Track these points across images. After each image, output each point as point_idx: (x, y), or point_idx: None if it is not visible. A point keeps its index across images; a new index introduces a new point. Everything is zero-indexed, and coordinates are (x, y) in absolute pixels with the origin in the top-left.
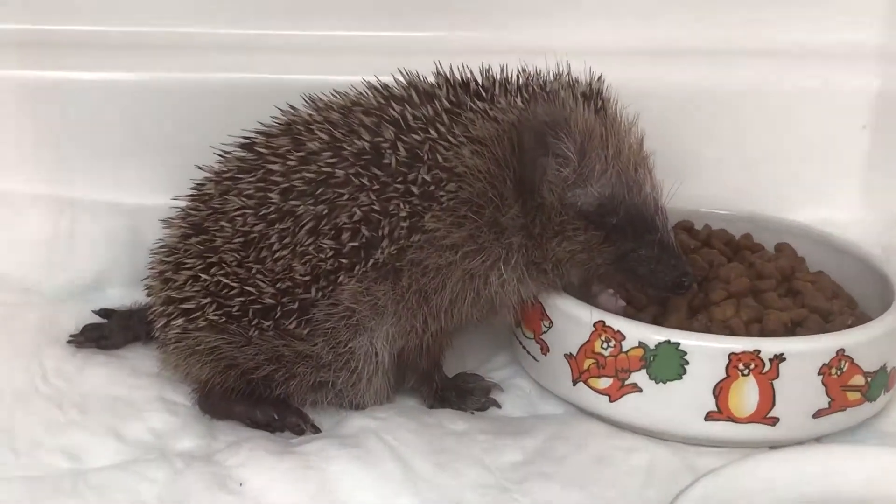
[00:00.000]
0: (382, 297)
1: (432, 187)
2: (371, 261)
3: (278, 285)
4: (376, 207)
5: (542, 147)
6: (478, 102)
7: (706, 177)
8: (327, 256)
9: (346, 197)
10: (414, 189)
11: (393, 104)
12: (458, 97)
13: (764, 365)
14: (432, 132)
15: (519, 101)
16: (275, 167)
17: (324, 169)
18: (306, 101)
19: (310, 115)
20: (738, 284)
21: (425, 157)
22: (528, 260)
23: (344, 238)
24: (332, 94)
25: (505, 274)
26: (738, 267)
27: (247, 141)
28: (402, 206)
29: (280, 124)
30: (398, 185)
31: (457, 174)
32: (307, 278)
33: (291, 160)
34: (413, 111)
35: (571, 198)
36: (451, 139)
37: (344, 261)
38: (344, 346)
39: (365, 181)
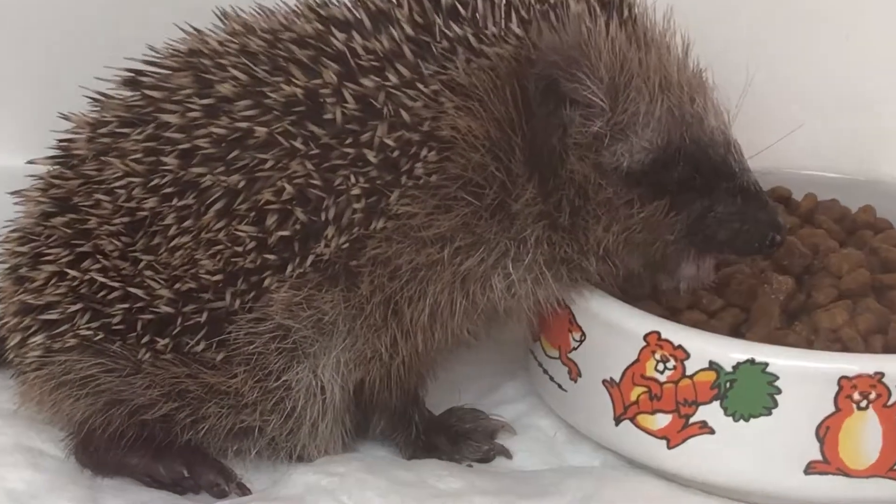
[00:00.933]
0: (330, 309)
1: (397, 154)
2: (311, 258)
3: (178, 287)
4: (315, 180)
5: (556, 96)
6: (455, 27)
7: (808, 125)
8: (246, 249)
9: (270, 164)
10: (370, 156)
11: (335, 30)
12: (425, 16)
13: (890, 395)
14: (391, 74)
15: (514, 23)
16: (171, 118)
17: (239, 124)
18: (218, 18)
19: (220, 41)
20: (854, 279)
21: (384, 111)
22: (553, 256)
23: (269, 224)
24: (254, 12)
25: (514, 274)
26: (853, 255)
27: (131, 76)
28: (352, 178)
29: (178, 53)
30: (346, 150)
31: (438, 138)
32: (218, 278)
33: (194, 109)
34: (364, 41)
35: (611, 160)
36: (421, 85)
37: (271, 257)
38: (275, 380)
39: (298, 143)
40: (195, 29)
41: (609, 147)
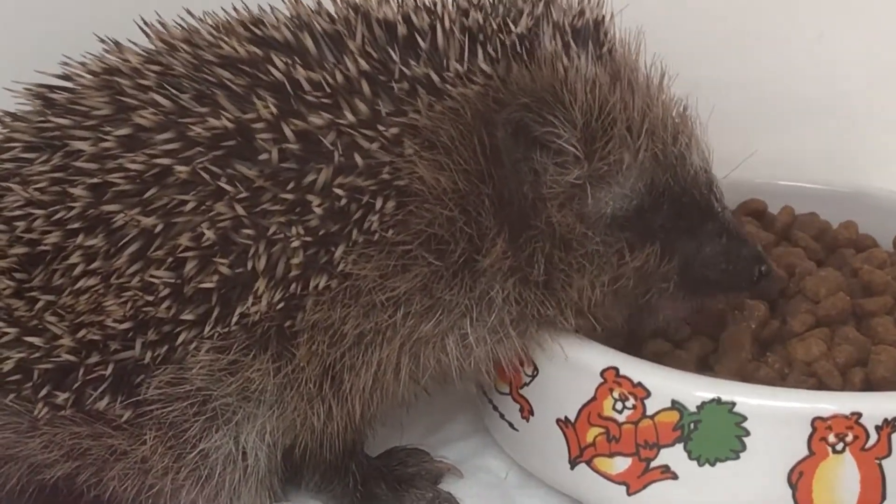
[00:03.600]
0: (259, 378)
1: (345, 202)
2: (235, 315)
3: (81, 334)
4: (243, 226)
5: (527, 141)
6: (413, 64)
7: (785, 132)
8: (159, 297)
9: (191, 206)
10: (313, 203)
11: (275, 56)
12: (378, 48)
13: (868, 437)
14: (345, 112)
15: (481, 59)
16: (82, 146)
17: (158, 160)
18: (141, 29)
19: (143, 56)
20: (833, 305)
21: (333, 153)
22: (522, 314)
23: (188, 271)
24: (177, 24)
25: (472, 336)
26: (832, 277)
27: (41, 91)
28: (291, 229)
29: (96, 71)
30: (283, 195)
31: (398, 188)
32: (127, 326)
33: (108, 140)
34: (308, 71)
35: (595, 208)
36: (380, 126)
37: (187, 316)
38: (190, 448)
39: (224, 183)
40: (114, 42)
41: (592, 195)
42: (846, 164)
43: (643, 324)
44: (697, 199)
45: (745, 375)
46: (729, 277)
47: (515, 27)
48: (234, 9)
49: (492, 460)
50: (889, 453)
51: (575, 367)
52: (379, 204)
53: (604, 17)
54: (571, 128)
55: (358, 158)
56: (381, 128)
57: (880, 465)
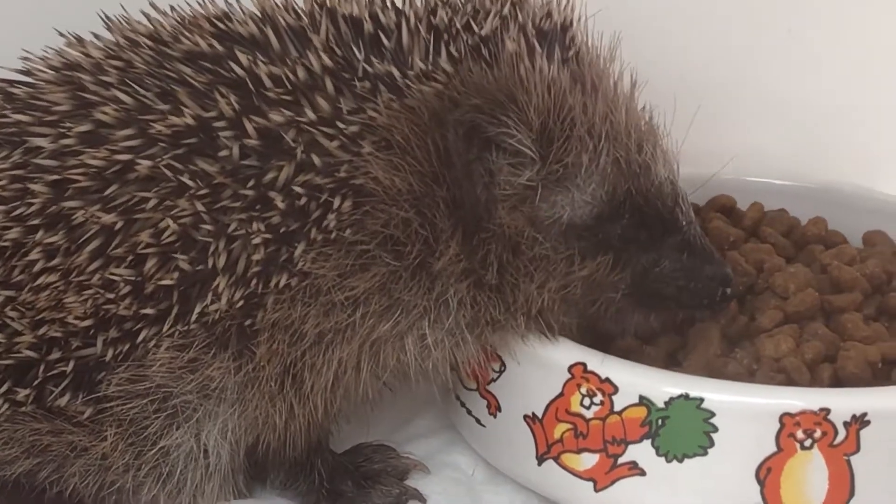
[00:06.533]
0: (219, 375)
1: (305, 200)
2: (195, 313)
3: (42, 331)
4: (204, 223)
5: (480, 142)
6: (376, 61)
7: (755, 130)
8: (120, 295)
9: (153, 203)
10: (276, 200)
11: (238, 50)
12: (343, 44)
13: (836, 433)
14: (306, 109)
15: (443, 59)
16: (42, 143)
17: (119, 156)
18: (104, 24)
19: (104, 51)
20: (802, 301)
21: (296, 150)
22: (476, 318)
23: (148, 269)
24: (144, 16)
25: (430, 336)
26: (801, 273)
27: (0, 86)
28: (252, 226)
29: (56, 66)
30: (244, 191)
31: (354, 187)
32: (88, 323)
33: (69, 136)
34: (271, 67)
35: (549, 212)
36: (340, 123)
37: (148, 310)
38: (151, 445)
39: (186, 179)
40: (76, 37)
41: (546, 199)
42: (815, 160)
43: (603, 328)
44: (661, 210)
45: (714, 371)
46: (688, 295)
47: (481, 27)
48: (201, 3)
49: (459, 456)
50: (857, 450)
51: (542, 363)
52: (337, 203)
53: (572, 20)
54: (526, 129)
55: (316, 157)
56: (341, 125)
57: (849, 462)
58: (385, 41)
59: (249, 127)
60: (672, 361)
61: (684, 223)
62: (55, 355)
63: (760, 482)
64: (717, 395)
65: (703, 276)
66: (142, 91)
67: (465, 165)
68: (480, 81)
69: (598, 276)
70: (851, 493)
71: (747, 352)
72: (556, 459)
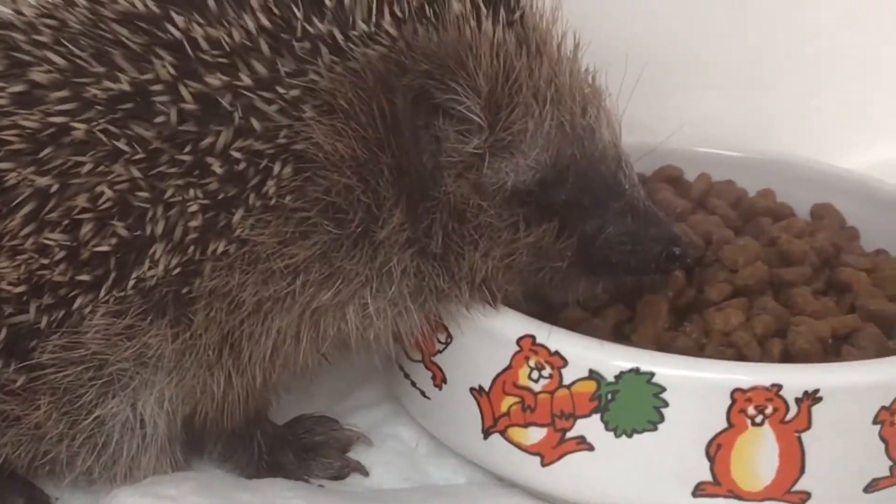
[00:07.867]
0: (156, 343)
1: (243, 165)
2: (132, 281)
3: None
4: (140, 189)
5: (428, 109)
6: (317, 21)
7: (704, 100)
8: (55, 260)
9: (88, 168)
10: (214, 166)
11: (174, 11)
12: (282, 7)
13: (788, 409)
14: (242, 73)
15: (387, 21)
16: None
17: (53, 118)
18: None
19: (37, 9)
20: (751, 274)
21: (233, 115)
22: (419, 287)
23: (84, 234)
24: None
25: (372, 306)
26: (750, 246)
27: None
28: (189, 191)
29: None
30: (181, 157)
31: (297, 154)
32: (21, 290)
33: (1, 97)
34: (207, 28)
35: (494, 179)
36: (279, 87)
37: (83, 277)
38: (86, 414)
39: (122, 144)
40: None
41: (492, 165)
42: (764, 131)
43: (550, 297)
44: (604, 175)
45: (662, 345)
46: (635, 259)
47: None
48: None
49: (402, 429)
50: (809, 426)
51: (490, 336)
52: (276, 169)
53: None
54: (475, 95)
55: (255, 121)
56: (280, 90)
57: (799, 439)
58: (326, 1)
59: (186, 92)
60: (619, 334)
61: (627, 187)
62: None
63: (710, 458)
64: (669, 369)
65: (648, 239)
66: (77, 52)
67: (412, 132)
68: (428, 45)
69: (543, 243)
70: (802, 471)
71: (696, 326)
72: (503, 433)
